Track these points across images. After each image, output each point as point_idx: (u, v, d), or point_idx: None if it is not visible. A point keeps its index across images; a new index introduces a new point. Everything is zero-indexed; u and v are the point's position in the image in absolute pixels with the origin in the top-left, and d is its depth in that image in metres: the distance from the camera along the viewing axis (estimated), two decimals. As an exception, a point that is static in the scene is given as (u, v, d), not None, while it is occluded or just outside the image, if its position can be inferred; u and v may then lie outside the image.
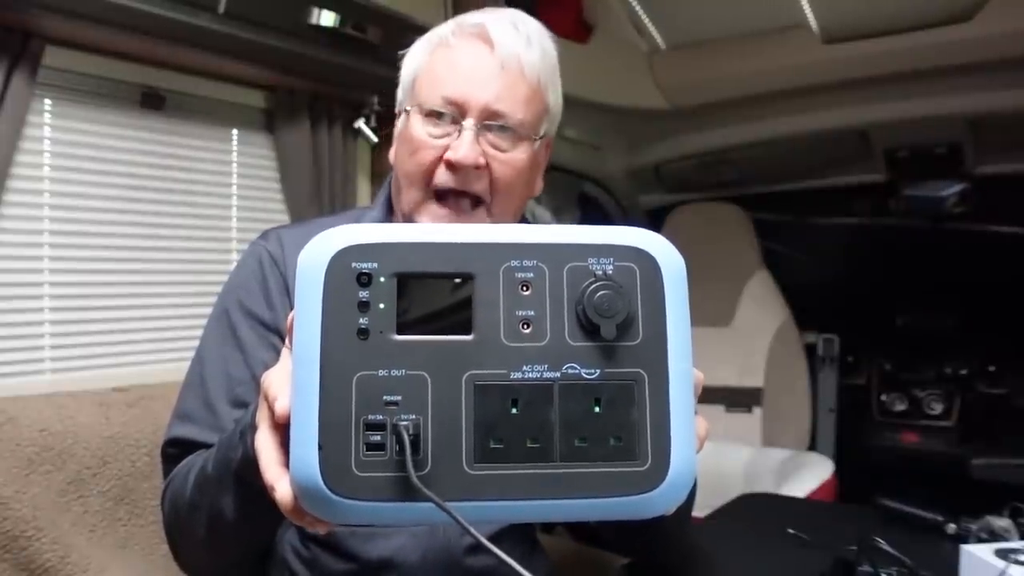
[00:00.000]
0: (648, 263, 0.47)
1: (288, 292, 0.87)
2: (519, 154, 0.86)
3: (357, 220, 0.92)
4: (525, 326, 0.45)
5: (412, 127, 0.86)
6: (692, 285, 0.50)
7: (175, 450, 0.84)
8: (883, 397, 2.67)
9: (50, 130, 1.33)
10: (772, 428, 2.51)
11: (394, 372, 0.44)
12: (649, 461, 0.45)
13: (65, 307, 1.36)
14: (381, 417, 0.44)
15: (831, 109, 2.33)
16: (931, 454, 2.54)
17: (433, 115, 0.85)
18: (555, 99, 0.90)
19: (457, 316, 0.45)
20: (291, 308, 0.87)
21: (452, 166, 0.83)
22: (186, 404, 0.87)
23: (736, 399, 2.54)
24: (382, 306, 0.44)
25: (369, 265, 0.45)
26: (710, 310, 2.59)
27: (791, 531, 1.12)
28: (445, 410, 0.44)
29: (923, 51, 1.99)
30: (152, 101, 1.45)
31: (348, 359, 0.44)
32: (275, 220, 1.69)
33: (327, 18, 1.47)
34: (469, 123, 0.83)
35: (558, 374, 0.45)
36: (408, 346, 0.44)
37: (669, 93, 2.38)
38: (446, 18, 0.95)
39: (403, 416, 0.44)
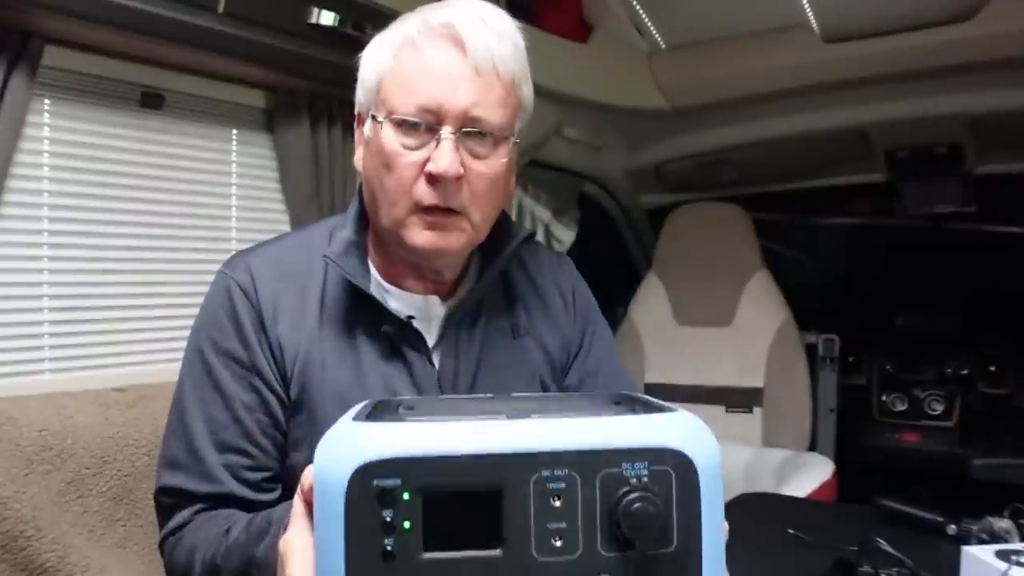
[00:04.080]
0: (684, 466, 0.45)
1: (263, 326, 0.84)
2: (498, 159, 0.83)
3: (330, 234, 0.89)
4: (557, 538, 0.44)
5: (384, 139, 0.81)
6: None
7: (168, 499, 0.84)
8: (883, 397, 2.66)
9: (49, 130, 1.33)
10: (772, 428, 2.50)
11: None
12: None
13: (65, 307, 1.36)
14: None
15: (831, 109, 2.33)
16: (931, 454, 2.53)
17: (407, 125, 0.80)
18: (528, 94, 0.87)
19: (486, 530, 0.43)
20: (267, 343, 0.84)
21: (433, 179, 0.79)
22: (171, 451, 0.85)
23: (736, 399, 2.53)
24: (407, 525, 0.43)
25: (392, 482, 0.43)
26: (710, 310, 2.58)
27: (791, 531, 1.12)
28: None
29: (923, 51, 1.98)
30: (151, 101, 1.45)
31: None
32: (275, 220, 1.69)
33: (327, 18, 1.47)
34: (447, 131, 0.79)
35: None
36: (436, 565, 0.43)
37: (669, 93, 2.38)
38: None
39: None
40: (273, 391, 0.84)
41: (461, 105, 0.79)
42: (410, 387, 0.85)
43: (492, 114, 0.81)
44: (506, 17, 0.84)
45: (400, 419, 0.47)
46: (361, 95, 0.87)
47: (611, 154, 2.71)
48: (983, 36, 1.87)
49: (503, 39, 0.82)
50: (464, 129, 0.80)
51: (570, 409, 0.51)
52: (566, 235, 2.81)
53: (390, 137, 0.81)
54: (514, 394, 0.67)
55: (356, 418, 0.47)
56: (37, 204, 1.32)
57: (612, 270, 3.11)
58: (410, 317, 0.86)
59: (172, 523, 0.83)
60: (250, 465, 0.83)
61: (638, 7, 2.18)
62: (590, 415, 0.47)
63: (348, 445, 0.43)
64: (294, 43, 1.46)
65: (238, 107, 1.61)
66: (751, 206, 2.73)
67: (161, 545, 0.85)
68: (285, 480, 0.86)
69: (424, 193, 0.80)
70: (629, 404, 0.54)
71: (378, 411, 0.51)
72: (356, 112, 0.89)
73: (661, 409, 0.50)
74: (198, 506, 0.83)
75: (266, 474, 0.84)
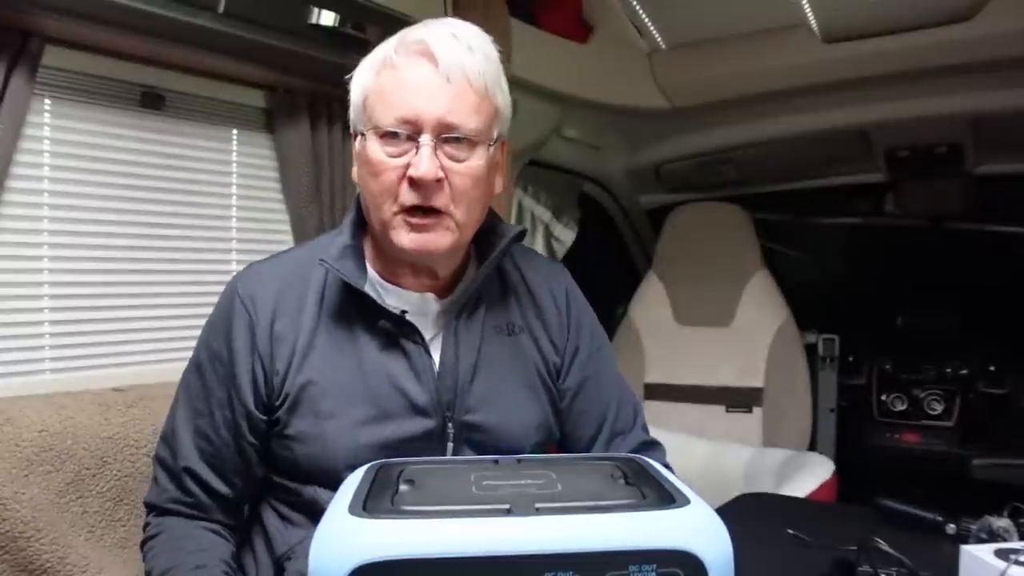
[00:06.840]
0: (694, 568, 0.44)
1: (254, 337, 0.93)
2: (476, 161, 0.90)
3: (326, 249, 0.96)
4: None
5: (370, 150, 0.90)
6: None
7: (156, 468, 1.00)
8: (883, 397, 2.66)
9: (49, 130, 1.33)
10: (772, 428, 2.50)
11: None
12: None
13: (65, 307, 1.36)
14: None
15: (831, 109, 2.33)
16: (931, 454, 2.54)
17: (389, 136, 0.88)
18: (504, 100, 0.94)
19: None
20: (257, 353, 0.94)
21: (414, 183, 0.87)
22: (167, 424, 1.00)
23: (736, 399, 2.53)
24: None
25: None
26: (710, 310, 2.59)
27: (791, 531, 1.12)
28: None
29: (924, 51, 1.98)
30: (152, 101, 1.45)
31: None
32: (275, 220, 1.69)
33: (327, 17, 1.47)
34: (426, 139, 0.87)
35: None
36: None
37: (669, 93, 2.38)
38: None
39: None
40: (241, 398, 0.93)
41: (436, 113, 0.87)
42: (411, 377, 0.92)
43: (466, 119, 0.88)
44: (479, 33, 0.92)
45: (397, 511, 0.45)
46: (352, 114, 0.95)
47: (611, 154, 2.71)
48: (983, 36, 1.88)
49: (473, 51, 0.89)
50: (442, 135, 0.88)
51: (575, 489, 0.48)
52: (566, 235, 2.82)
53: (375, 148, 0.89)
54: (520, 458, 0.66)
55: (352, 508, 0.45)
56: (37, 204, 1.32)
57: (612, 270, 3.11)
58: (403, 311, 0.93)
59: (157, 497, 0.98)
60: (213, 452, 0.96)
61: (638, 7, 2.18)
62: (595, 505, 0.45)
63: (346, 544, 0.42)
64: (294, 43, 1.45)
65: (238, 107, 1.61)
66: (751, 206, 2.73)
67: (147, 509, 1.01)
68: (287, 468, 0.94)
69: (407, 196, 0.88)
70: (637, 481, 0.52)
71: (376, 490, 0.49)
72: (352, 131, 0.97)
73: (671, 496, 0.47)
74: (177, 494, 0.96)
75: (228, 463, 0.96)
